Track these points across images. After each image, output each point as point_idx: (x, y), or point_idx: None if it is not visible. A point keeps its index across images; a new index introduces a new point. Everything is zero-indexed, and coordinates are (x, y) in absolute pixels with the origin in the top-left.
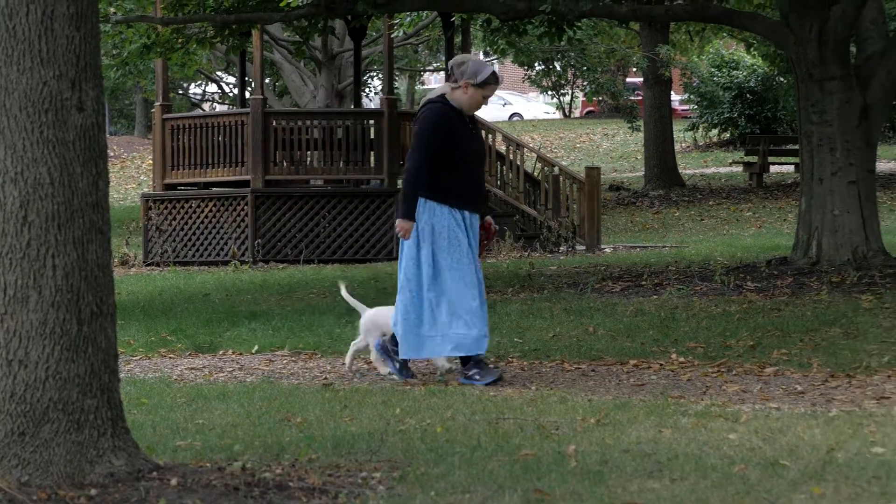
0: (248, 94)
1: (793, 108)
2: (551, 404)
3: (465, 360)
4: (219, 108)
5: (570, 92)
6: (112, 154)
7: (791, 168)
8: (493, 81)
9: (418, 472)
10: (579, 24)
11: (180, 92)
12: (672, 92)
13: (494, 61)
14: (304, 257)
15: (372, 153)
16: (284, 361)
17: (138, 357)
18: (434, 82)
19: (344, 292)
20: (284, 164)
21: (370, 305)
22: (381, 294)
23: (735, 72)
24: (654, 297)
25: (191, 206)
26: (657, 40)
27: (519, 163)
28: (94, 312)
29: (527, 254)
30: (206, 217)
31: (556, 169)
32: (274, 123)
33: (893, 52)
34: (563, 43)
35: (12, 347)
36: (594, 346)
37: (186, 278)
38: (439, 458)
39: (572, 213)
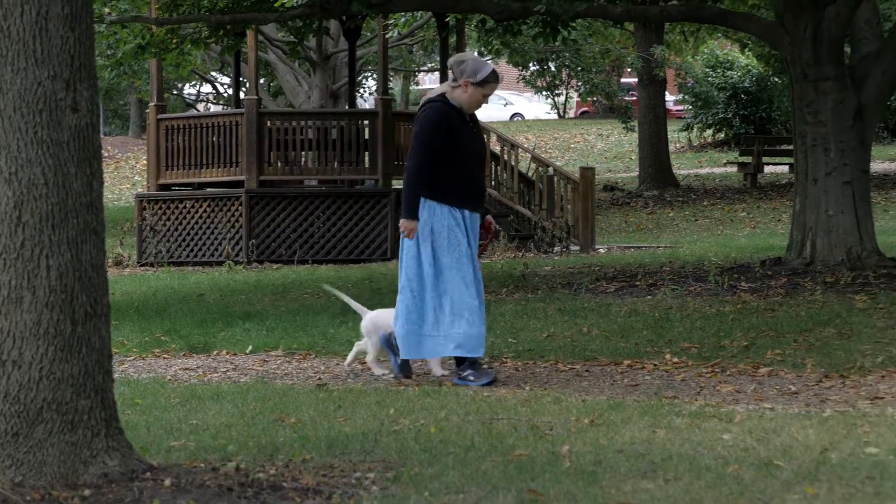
0: (242, 95)
1: (787, 109)
2: (545, 404)
3: (460, 361)
4: (213, 108)
5: (564, 92)
6: (106, 154)
7: (785, 168)
8: (493, 80)
9: (412, 472)
10: (574, 24)
11: (175, 92)
12: (666, 92)
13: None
14: (298, 258)
15: (366, 153)
16: (278, 362)
17: (132, 357)
18: (429, 83)
19: (343, 296)
20: (279, 164)
21: (367, 306)
22: (376, 294)
23: (729, 72)
24: (649, 297)
25: (185, 207)
26: (652, 41)
27: (513, 163)
28: (88, 313)
29: (521, 254)
30: (201, 217)
31: (551, 169)
32: (268, 124)
33: (888, 53)
34: (557, 43)
35: (6, 348)
36: (588, 347)
37: (181, 279)
38: (433, 459)
39: (566, 214)
